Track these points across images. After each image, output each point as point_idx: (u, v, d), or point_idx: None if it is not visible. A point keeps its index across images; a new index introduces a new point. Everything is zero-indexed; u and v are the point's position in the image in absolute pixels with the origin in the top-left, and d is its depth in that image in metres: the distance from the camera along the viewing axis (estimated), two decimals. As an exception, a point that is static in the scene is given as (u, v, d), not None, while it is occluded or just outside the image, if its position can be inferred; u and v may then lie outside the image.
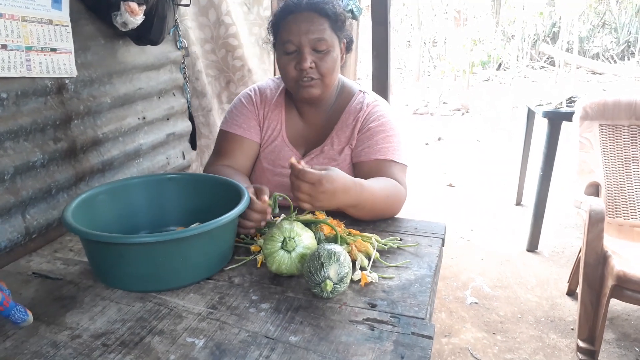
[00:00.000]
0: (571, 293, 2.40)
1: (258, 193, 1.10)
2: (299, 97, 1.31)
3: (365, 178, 1.21)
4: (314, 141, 1.37)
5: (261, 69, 2.25)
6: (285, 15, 1.25)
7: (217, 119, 2.07)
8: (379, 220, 1.25)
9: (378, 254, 1.04)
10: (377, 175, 1.25)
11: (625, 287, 1.74)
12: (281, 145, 1.38)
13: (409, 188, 1.32)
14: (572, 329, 2.13)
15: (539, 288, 2.49)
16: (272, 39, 1.34)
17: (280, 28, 1.26)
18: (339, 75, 1.39)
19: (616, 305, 2.25)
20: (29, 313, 0.83)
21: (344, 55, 1.33)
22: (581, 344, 1.90)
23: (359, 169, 1.31)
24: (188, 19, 1.86)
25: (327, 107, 1.38)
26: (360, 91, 1.39)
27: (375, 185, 1.18)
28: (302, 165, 1.03)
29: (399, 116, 6.80)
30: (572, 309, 2.28)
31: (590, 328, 1.89)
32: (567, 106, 2.69)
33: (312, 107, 1.37)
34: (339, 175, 1.04)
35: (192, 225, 0.99)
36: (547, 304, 2.34)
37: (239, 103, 1.41)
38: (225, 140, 1.39)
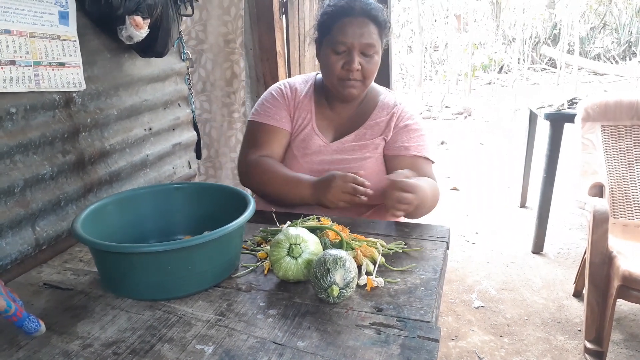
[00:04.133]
0: (578, 294, 2.39)
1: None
2: (339, 94, 1.38)
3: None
4: (342, 131, 1.44)
5: None
6: (340, 17, 1.32)
7: None
8: (383, 225, 1.27)
9: (383, 259, 1.05)
10: (412, 169, 1.32)
11: (632, 287, 1.74)
12: (310, 134, 1.43)
13: None
14: (580, 331, 2.12)
15: (545, 290, 2.48)
16: (316, 33, 1.41)
17: (334, 28, 1.32)
18: None
19: (623, 305, 2.24)
20: (42, 323, 0.85)
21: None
22: (589, 345, 1.90)
23: (396, 162, 1.38)
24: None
25: (357, 102, 1.45)
26: (387, 90, 1.50)
27: (426, 186, 1.28)
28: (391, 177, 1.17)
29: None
30: (579, 310, 2.28)
31: (598, 329, 1.89)
32: (568, 108, 2.70)
33: (342, 103, 1.44)
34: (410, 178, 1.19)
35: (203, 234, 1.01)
36: (554, 306, 2.33)
37: (270, 96, 1.47)
38: (258, 131, 1.44)
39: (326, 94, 1.45)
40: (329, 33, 1.33)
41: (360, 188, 1.19)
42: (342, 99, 1.41)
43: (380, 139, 1.40)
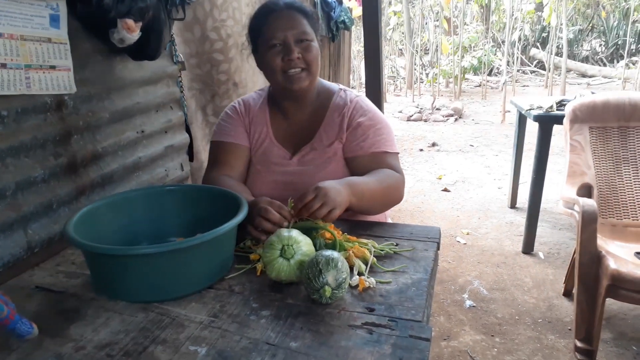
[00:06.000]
0: (567, 294, 2.42)
1: (273, 206, 1.11)
2: (289, 91, 1.35)
3: (363, 170, 1.31)
4: (301, 139, 1.42)
5: (252, 81, 2.28)
6: (266, 15, 1.32)
7: (199, 131, 2.11)
8: (376, 225, 1.28)
9: (375, 259, 1.06)
10: (373, 167, 1.33)
11: (620, 287, 1.76)
12: (270, 146, 1.43)
13: (404, 193, 1.37)
14: (570, 329, 2.15)
15: (535, 289, 2.51)
16: (250, 44, 1.40)
17: (263, 27, 1.32)
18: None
19: (612, 304, 2.27)
20: (34, 326, 0.84)
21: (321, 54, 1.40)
22: (579, 344, 1.92)
23: (356, 163, 1.36)
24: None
25: (309, 104, 1.43)
26: (340, 89, 1.46)
27: (367, 178, 1.26)
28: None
29: (392, 124, 6.86)
30: (569, 310, 2.30)
31: (587, 328, 1.91)
32: (557, 109, 2.74)
33: (295, 105, 1.42)
34: (324, 181, 1.15)
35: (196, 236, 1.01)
36: (544, 305, 2.36)
37: (226, 115, 1.48)
38: (218, 150, 1.44)
39: (279, 101, 1.43)
40: (261, 35, 1.33)
41: (273, 214, 1.09)
42: (294, 96, 1.38)
43: (337, 143, 1.37)
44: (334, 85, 1.48)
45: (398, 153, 1.40)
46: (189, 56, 2.06)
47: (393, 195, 1.32)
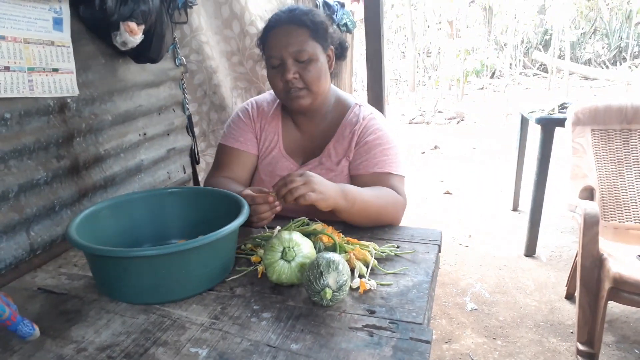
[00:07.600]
0: (570, 297, 2.41)
1: (256, 191, 1.16)
2: (291, 108, 1.35)
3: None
4: (311, 152, 1.40)
5: None
6: (268, 31, 1.30)
7: None
8: (377, 227, 1.27)
9: (376, 262, 1.06)
10: (374, 186, 1.28)
11: (622, 290, 1.76)
12: (278, 157, 1.40)
13: (407, 196, 1.34)
14: (572, 333, 2.14)
15: (537, 292, 2.50)
16: (262, 54, 1.37)
17: (265, 44, 1.31)
18: (333, 88, 1.42)
19: (615, 307, 2.27)
20: (36, 327, 0.85)
21: (333, 62, 1.35)
22: (581, 347, 1.92)
23: (357, 182, 1.32)
24: (204, 33, 1.85)
25: (323, 117, 1.40)
26: (356, 104, 1.41)
27: (364, 189, 1.22)
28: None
29: (394, 127, 6.87)
30: (571, 313, 2.30)
31: (590, 331, 1.91)
32: (559, 112, 2.74)
33: (307, 118, 1.40)
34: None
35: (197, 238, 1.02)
36: (546, 308, 2.36)
37: (237, 117, 1.45)
38: (223, 154, 1.43)
39: (289, 110, 1.41)
40: (264, 51, 1.31)
41: (261, 215, 1.15)
42: (298, 113, 1.37)
43: (344, 160, 1.35)
44: (350, 100, 1.43)
45: (404, 177, 1.34)
46: (230, 54, 2.02)
47: (388, 215, 1.26)
